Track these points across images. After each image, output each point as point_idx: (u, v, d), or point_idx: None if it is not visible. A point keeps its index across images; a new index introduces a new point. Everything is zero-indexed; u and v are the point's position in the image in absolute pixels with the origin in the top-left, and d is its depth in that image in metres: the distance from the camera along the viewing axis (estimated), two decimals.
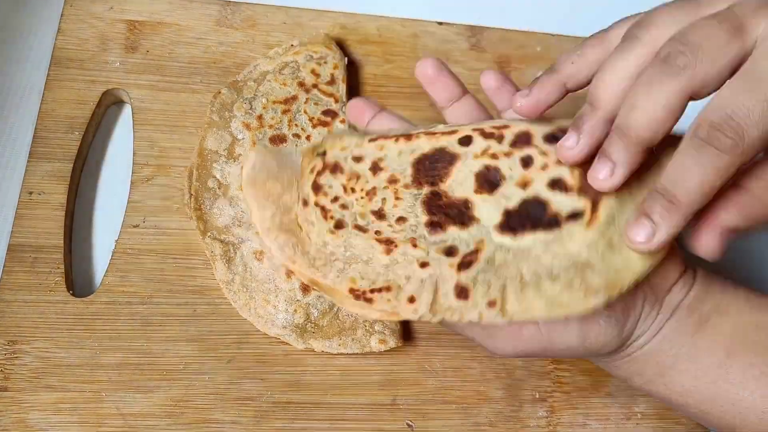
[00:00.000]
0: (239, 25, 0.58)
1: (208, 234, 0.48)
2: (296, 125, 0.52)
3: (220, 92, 0.53)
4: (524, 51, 0.63)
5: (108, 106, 0.54)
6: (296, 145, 0.52)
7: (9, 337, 0.44)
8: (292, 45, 0.56)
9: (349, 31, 0.60)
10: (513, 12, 0.67)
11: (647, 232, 0.31)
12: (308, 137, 0.52)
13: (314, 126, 0.53)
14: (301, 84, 0.54)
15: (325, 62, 0.56)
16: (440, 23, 0.62)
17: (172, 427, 0.44)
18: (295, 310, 0.47)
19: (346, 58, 0.57)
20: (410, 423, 0.47)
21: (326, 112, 0.54)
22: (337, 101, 0.55)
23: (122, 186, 0.51)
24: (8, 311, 0.45)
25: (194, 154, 0.51)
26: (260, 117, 0.52)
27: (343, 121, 0.54)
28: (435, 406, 0.48)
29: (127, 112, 0.55)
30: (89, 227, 0.51)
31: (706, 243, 0.32)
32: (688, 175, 0.30)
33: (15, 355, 0.44)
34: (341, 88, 0.55)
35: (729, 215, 0.32)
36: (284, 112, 0.53)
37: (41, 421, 0.43)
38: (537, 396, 0.50)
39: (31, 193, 0.49)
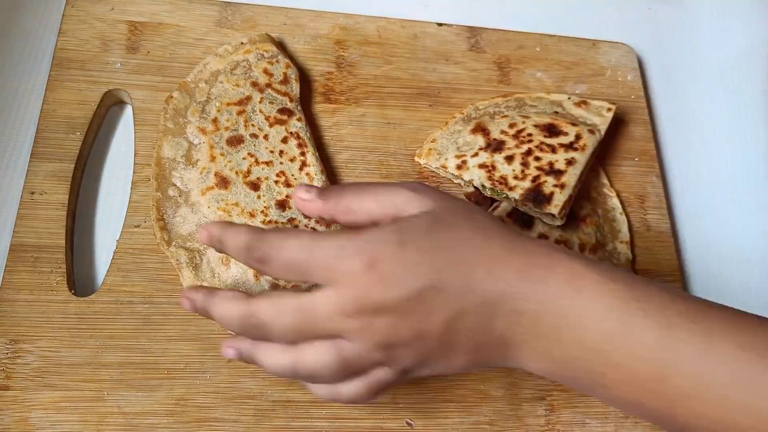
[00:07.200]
0: (240, 26, 0.58)
1: (173, 243, 0.48)
2: (253, 125, 0.52)
3: (171, 96, 0.52)
4: (523, 51, 0.63)
5: (109, 106, 0.55)
6: (254, 145, 0.52)
7: (11, 336, 0.45)
8: (242, 43, 0.55)
9: (349, 32, 0.60)
10: (512, 13, 0.67)
11: None
12: (266, 136, 0.52)
13: (271, 125, 0.52)
14: (255, 84, 0.54)
15: (277, 61, 0.55)
16: (440, 24, 0.62)
17: (173, 425, 0.44)
18: None
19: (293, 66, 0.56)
20: (410, 421, 0.48)
21: (282, 111, 0.53)
22: (292, 100, 0.54)
23: (123, 186, 0.51)
24: (10, 311, 0.45)
25: (152, 164, 0.50)
26: (215, 120, 0.52)
27: (300, 120, 0.53)
28: (435, 405, 0.48)
29: (128, 112, 0.55)
30: (91, 227, 0.51)
31: None
32: None
33: (17, 355, 0.44)
34: (295, 87, 0.55)
35: None
36: (239, 113, 0.52)
37: (43, 420, 0.43)
38: (536, 395, 0.50)
39: (32, 193, 0.49)
